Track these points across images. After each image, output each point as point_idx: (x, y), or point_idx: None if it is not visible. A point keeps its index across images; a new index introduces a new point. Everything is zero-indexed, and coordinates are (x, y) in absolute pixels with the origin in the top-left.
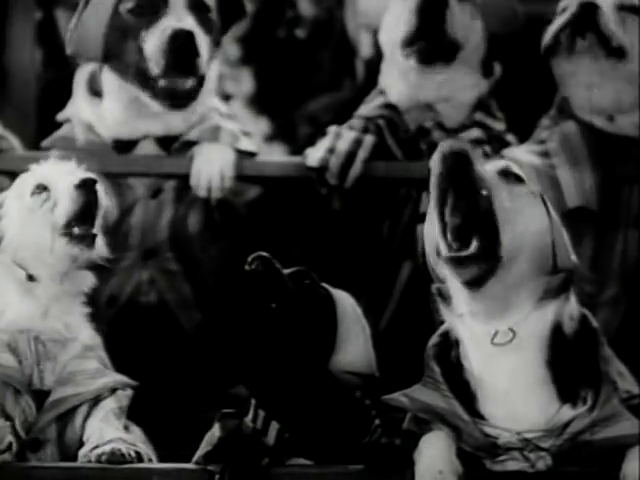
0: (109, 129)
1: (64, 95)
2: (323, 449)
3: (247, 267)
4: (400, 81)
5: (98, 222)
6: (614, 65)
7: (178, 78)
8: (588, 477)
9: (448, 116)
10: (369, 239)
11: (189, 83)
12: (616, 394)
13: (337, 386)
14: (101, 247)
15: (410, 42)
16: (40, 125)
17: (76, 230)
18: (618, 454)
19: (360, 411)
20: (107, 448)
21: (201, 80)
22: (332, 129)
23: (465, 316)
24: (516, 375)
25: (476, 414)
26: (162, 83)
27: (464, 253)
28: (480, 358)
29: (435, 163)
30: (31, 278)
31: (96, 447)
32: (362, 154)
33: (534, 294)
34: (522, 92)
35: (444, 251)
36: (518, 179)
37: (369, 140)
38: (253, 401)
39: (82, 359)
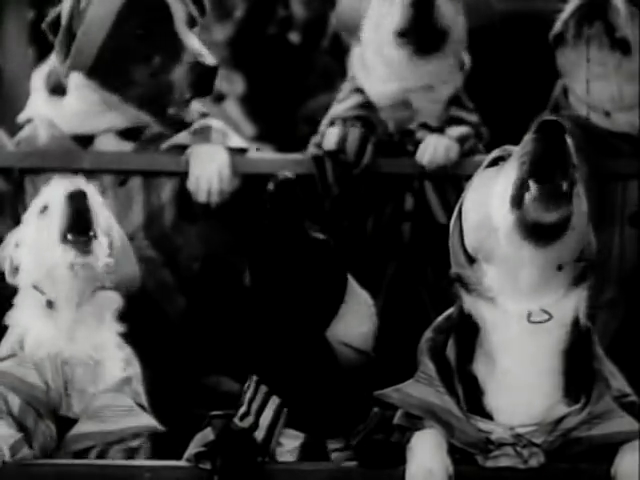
0: (69, 124)
1: None
2: (318, 423)
3: (269, 187)
4: (384, 71)
5: (94, 229)
6: (618, 59)
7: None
8: (580, 473)
9: (425, 111)
10: (356, 236)
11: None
12: (609, 391)
13: (338, 359)
14: (101, 253)
15: (404, 34)
16: None
17: (69, 237)
18: (611, 451)
19: (360, 391)
20: None
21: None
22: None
23: (498, 298)
24: (534, 360)
25: (479, 410)
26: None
27: (558, 191)
28: (507, 340)
29: (534, 127)
30: (50, 304)
31: None
32: (370, 146)
33: (567, 278)
34: (509, 90)
35: (533, 190)
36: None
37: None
38: (254, 377)
39: (116, 393)
